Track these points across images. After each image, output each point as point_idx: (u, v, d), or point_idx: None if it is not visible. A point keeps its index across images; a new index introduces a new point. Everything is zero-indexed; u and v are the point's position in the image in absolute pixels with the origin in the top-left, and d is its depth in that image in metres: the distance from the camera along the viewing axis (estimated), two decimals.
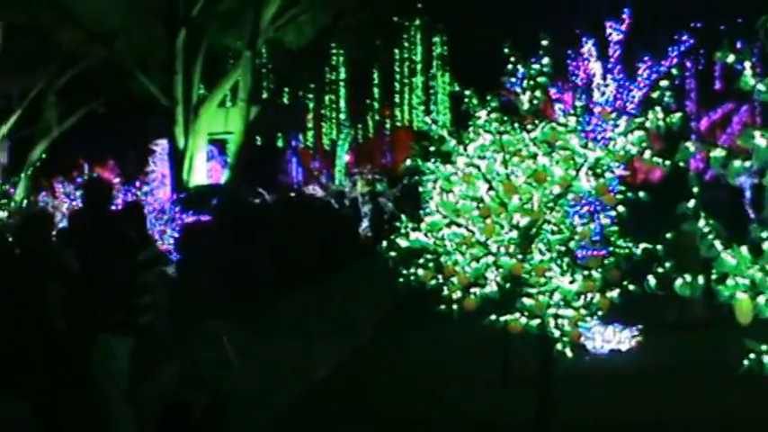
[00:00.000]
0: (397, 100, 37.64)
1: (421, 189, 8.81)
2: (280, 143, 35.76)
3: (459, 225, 7.68)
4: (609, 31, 13.80)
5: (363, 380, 11.12)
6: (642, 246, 7.64)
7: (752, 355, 4.65)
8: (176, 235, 16.90)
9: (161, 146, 23.66)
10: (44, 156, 26.59)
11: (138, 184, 20.83)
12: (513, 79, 8.66)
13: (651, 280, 5.97)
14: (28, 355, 6.77)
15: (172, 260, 13.75)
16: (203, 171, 22.59)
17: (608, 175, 7.61)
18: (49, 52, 26.17)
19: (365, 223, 23.07)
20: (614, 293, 7.38)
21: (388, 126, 39.59)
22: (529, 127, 7.81)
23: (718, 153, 4.86)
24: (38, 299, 7.06)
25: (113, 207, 9.60)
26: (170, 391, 6.81)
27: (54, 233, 10.01)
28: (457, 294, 7.58)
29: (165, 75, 21.88)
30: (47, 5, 21.46)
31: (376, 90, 37.68)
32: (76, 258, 7.61)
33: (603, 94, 13.39)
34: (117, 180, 22.04)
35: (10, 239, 10.60)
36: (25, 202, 22.47)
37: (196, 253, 12.91)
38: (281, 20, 22.36)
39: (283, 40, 25.91)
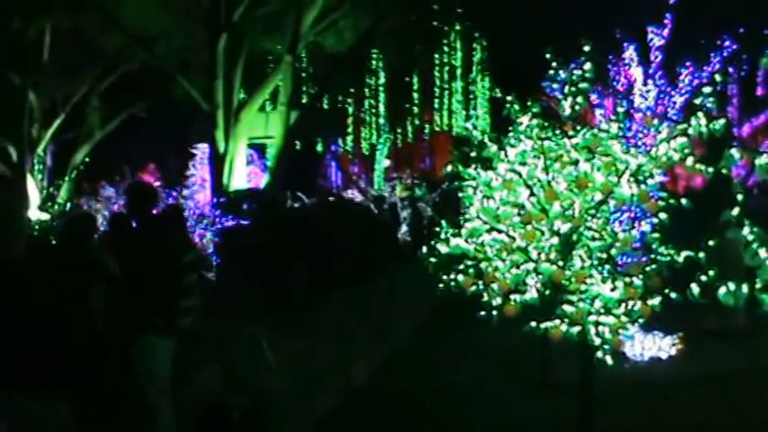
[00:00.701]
0: (436, 105, 37.59)
1: (461, 195, 8.78)
2: (319, 147, 35.85)
3: (499, 231, 7.67)
4: (651, 36, 13.71)
5: (401, 384, 11.12)
6: (684, 253, 7.59)
7: None
8: (216, 239, 17.02)
9: (201, 150, 23.79)
10: (87, 159, 26.85)
11: (178, 187, 21.04)
12: (555, 85, 8.64)
13: (694, 288, 5.94)
14: (70, 355, 6.84)
15: (212, 264, 13.83)
16: (243, 175, 22.68)
17: (650, 181, 7.56)
18: (92, 57, 26.46)
19: (404, 228, 23.05)
20: (656, 301, 7.33)
21: (427, 131, 39.56)
22: (570, 133, 7.79)
23: (764, 160, 4.82)
24: (80, 300, 7.13)
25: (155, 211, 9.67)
26: (210, 393, 6.83)
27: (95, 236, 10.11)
28: (497, 300, 7.57)
29: (205, 79, 21.98)
30: (91, 10, 21.67)
31: (415, 95, 37.65)
32: (117, 261, 7.68)
33: (645, 99, 13.30)
34: (157, 183, 22.23)
35: (54, 242, 10.74)
36: (68, 204, 22.73)
37: (235, 257, 12.99)
38: (322, 24, 22.40)
39: (323, 45, 25.97)
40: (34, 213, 21.42)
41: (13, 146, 24.62)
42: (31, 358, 6.49)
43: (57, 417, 5.94)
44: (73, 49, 26.07)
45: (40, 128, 25.68)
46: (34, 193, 22.63)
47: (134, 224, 8.28)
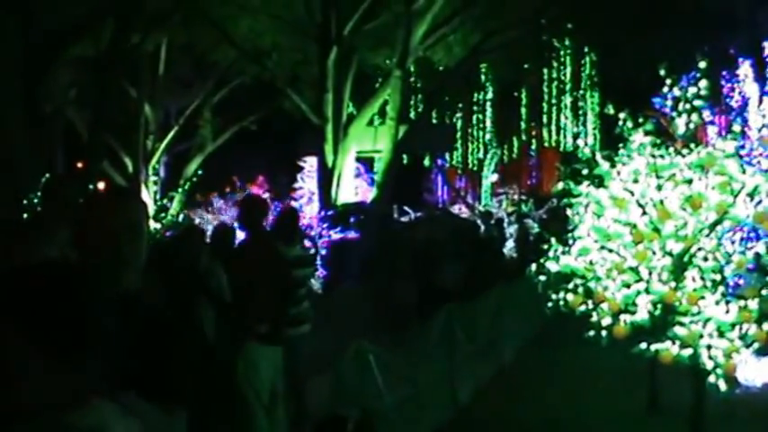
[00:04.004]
0: (544, 120, 37.25)
1: (569, 212, 8.68)
2: (426, 162, 35.92)
3: (610, 250, 7.57)
4: (767, 51, 13.41)
5: (508, 404, 11.03)
6: None
7: None
8: (323, 251, 17.22)
9: (309, 162, 24.07)
10: (199, 171, 27.43)
11: (287, 199, 21.33)
12: (668, 101, 8.49)
13: None
14: (182, 364, 6.96)
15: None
16: (351, 188, 22.84)
17: (766, 201, 7.37)
18: (205, 70, 27.12)
19: (510, 244, 22.93)
20: None
21: (534, 146, 39.28)
22: (684, 151, 7.65)
23: None
24: (191, 310, 7.27)
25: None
26: (319, 404, 6.91)
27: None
28: (606, 321, 7.46)
29: (315, 93, 22.22)
30: (206, 25, 22.20)
31: (523, 110, 37.42)
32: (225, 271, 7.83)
33: (764, 116, 12.99)
34: (266, 195, 22.58)
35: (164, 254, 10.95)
36: (180, 215, 23.25)
37: (344, 270, 13.11)
38: (431, 39, 22.43)
39: (432, 59, 26.03)
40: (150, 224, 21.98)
41: (129, 157, 25.41)
42: (147, 367, 6.64)
43: (171, 423, 6.06)
44: (187, 63, 26.80)
45: (155, 140, 26.42)
46: (149, 204, 23.23)
47: (242, 235, 8.44)
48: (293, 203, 21.20)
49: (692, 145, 7.77)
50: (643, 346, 7.36)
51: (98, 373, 2.12)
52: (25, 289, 2.03)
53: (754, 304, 7.16)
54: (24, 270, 2.11)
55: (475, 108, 37.18)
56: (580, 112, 37.19)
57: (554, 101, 37.03)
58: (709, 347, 7.11)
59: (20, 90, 13.85)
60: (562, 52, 35.96)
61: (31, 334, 1.97)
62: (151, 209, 23.51)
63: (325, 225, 18.31)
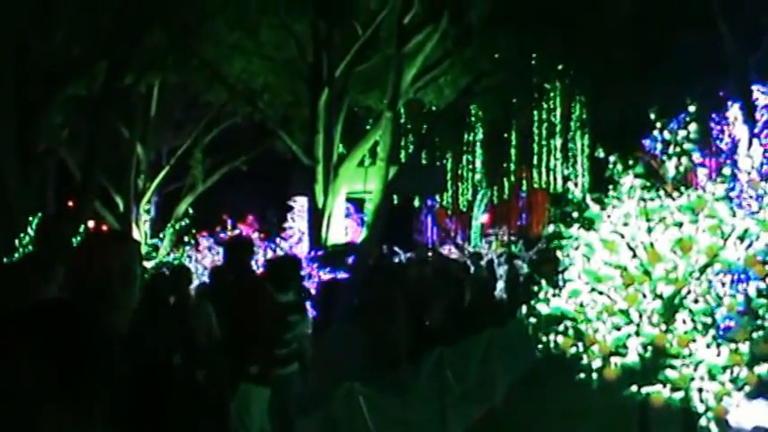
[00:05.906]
0: (534, 162, 37.38)
1: (559, 254, 8.67)
2: (416, 203, 36.02)
3: (600, 292, 7.57)
4: (756, 95, 13.50)
5: None
6: None
7: None
8: (313, 292, 17.17)
9: (299, 202, 24.11)
10: (190, 210, 27.44)
11: (276, 240, 21.31)
12: (659, 145, 8.53)
13: None
14: (173, 405, 6.93)
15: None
16: (341, 229, 22.85)
17: (756, 245, 7.39)
18: (197, 111, 27.26)
19: (500, 285, 22.89)
20: (763, 369, 7.13)
21: (524, 188, 39.41)
22: (674, 194, 7.68)
23: None
24: (181, 351, 7.25)
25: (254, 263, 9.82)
26: None
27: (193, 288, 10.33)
28: (597, 363, 7.45)
29: (306, 134, 22.33)
30: (199, 67, 22.33)
31: (513, 151, 37.57)
32: (217, 311, 7.82)
33: (754, 159, 13.06)
34: (256, 235, 22.56)
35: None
36: (171, 255, 23.21)
37: (333, 311, 13.07)
38: (421, 81, 22.58)
39: (423, 101, 26.18)
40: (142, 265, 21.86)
41: (120, 196, 25.44)
42: (139, 409, 6.61)
43: None
44: (179, 103, 26.95)
45: (146, 179, 26.49)
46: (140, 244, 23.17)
47: (232, 276, 8.46)
48: (288, 248, 21.16)
49: (683, 188, 7.80)
50: (634, 388, 7.34)
51: (105, 414, 2.12)
52: (36, 330, 2.04)
53: (744, 347, 7.16)
54: (35, 310, 2.12)
55: (465, 149, 37.33)
56: (570, 153, 37.33)
57: (544, 142, 37.19)
58: (700, 390, 7.10)
59: (13, 129, 13.90)
60: (552, 94, 36.18)
61: (42, 375, 1.98)
62: (142, 248, 23.46)
63: (315, 265, 18.29)
